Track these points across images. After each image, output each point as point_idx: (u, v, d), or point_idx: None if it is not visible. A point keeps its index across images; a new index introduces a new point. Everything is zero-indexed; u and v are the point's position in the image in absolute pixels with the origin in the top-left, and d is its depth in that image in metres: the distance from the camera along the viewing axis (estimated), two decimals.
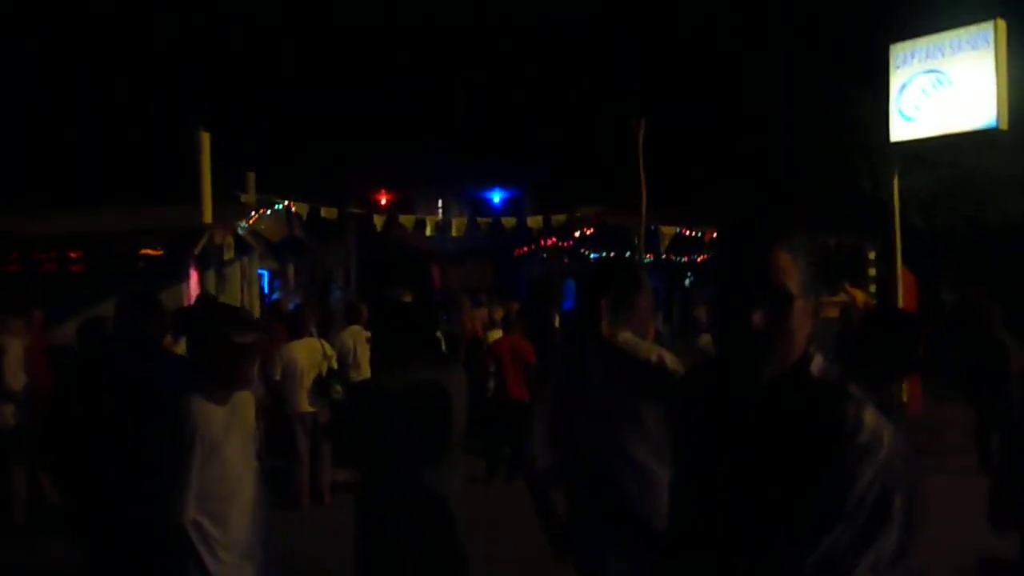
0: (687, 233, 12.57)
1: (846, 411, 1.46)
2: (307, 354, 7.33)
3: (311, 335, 7.73)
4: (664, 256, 13.30)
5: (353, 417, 3.29)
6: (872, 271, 12.36)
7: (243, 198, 10.96)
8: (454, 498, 3.07)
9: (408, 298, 10.19)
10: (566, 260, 17.90)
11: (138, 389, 3.36)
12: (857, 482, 1.41)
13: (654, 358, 2.74)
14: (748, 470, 1.51)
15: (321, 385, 7.38)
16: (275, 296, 14.72)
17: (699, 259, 16.11)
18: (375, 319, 3.78)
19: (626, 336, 2.83)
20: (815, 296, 1.56)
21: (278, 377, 7.16)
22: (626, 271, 3.15)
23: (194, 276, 9.97)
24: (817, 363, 1.55)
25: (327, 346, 7.68)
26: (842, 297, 11.14)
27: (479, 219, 13.12)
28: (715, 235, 13.05)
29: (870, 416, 1.46)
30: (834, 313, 10.29)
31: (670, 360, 2.76)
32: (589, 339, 2.82)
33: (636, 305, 2.91)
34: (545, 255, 18.32)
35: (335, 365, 7.64)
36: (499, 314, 9.34)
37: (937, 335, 10.12)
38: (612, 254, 17.42)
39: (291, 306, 10.86)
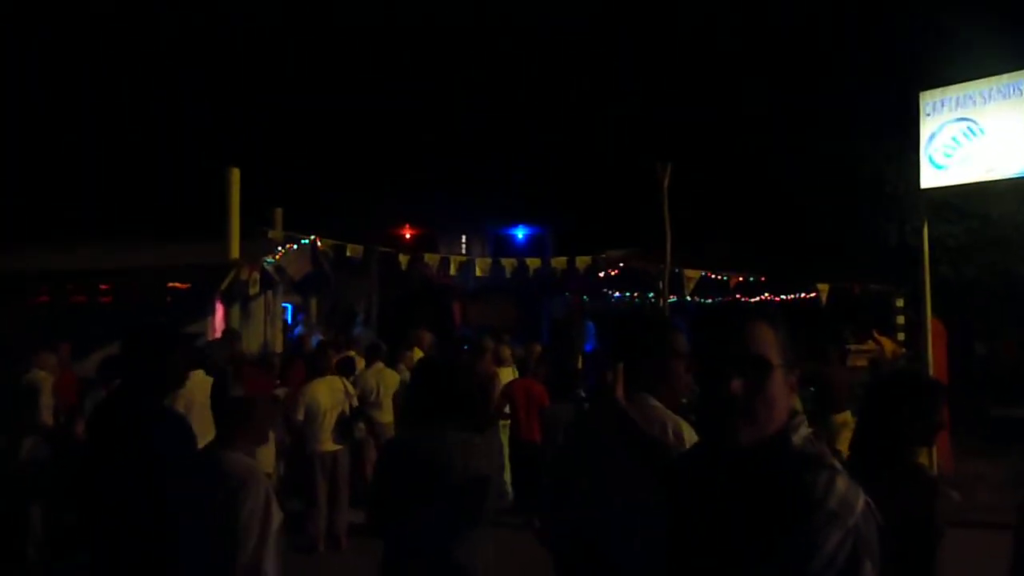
0: (712, 276, 12.47)
1: (817, 478, 1.49)
2: (329, 393, 7.27)
3: (333, 373, 7.70)
4: (689, 298, 13.19)
5: (382, 477, 3.20)
6: (900, 319, 12.18)
7: (270, 234, 11.06)
8: (482, 569, 2.96)
9: (428, 336, 10.20)
10: (586, 298, 17.82)
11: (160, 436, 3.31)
12: (825, 545, 1.43)
13: (671, 435, 2.50)
14: (721, 531, 1.54)
15: (344, 424, 7.33)
16: (297, 330, 14.78)
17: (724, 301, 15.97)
18: (411, 378, 3.68)
19: (650, 403, 2.60)
20: (796, 373, 1.61)
21: (300, 417, 7.10)
22: (655, 334, 2.75)
23: (219, 311, 10.05)
24: (800, 435, 1.58)
25: (348, 385, 7.63)
26: (870, 345, 10.97)
27: (503, 259, 13.09)
28: (739, 280, 12.96)
29: (842, 483, 1.49)
30: (862, 362, 10.12)
31: (684, 437, 2.50)
32: (602, 401, 2.59)
33: (664, 371, 2.65)
34: (568, 294, 18.27)
35: (356, 403, 7.60)
36: (506, 352, 9.22)
37: (969, 388, 9.92)
38: (635, 294, 17.35)
39: (313, 341, 10.85)
